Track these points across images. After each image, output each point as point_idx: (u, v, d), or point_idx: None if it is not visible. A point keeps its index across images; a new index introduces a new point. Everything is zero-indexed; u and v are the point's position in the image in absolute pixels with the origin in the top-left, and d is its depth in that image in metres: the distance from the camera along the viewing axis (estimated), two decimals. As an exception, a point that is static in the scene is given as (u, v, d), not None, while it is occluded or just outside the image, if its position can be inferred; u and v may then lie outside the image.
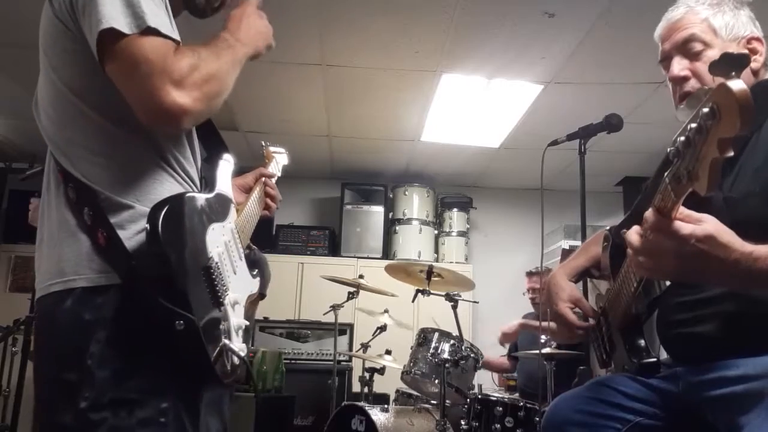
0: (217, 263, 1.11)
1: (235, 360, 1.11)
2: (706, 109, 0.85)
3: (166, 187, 1.11)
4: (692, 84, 1.38)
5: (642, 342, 1.42)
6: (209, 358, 1.05)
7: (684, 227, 0.99)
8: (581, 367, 2.35)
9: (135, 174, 1.09)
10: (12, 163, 5.42)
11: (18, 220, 5.02)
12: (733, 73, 0.84)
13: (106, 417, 0.99)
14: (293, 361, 4.47)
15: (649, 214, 1.03)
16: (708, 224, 1.00)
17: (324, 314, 3.93)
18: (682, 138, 0.90)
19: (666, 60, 1.44)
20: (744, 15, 1.42)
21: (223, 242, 1.14)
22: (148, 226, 1.01)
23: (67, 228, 1.07)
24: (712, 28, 1.38)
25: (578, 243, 2.66)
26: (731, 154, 0.84)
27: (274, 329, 4.64)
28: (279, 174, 1.71)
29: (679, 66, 1.40)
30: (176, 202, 1.04)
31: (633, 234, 1.09)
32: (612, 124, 2.32)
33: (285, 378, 4.01)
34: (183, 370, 1.05)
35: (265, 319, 4.65)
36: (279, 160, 1.75)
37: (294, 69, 3.85)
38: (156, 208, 1.02)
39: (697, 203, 1.03)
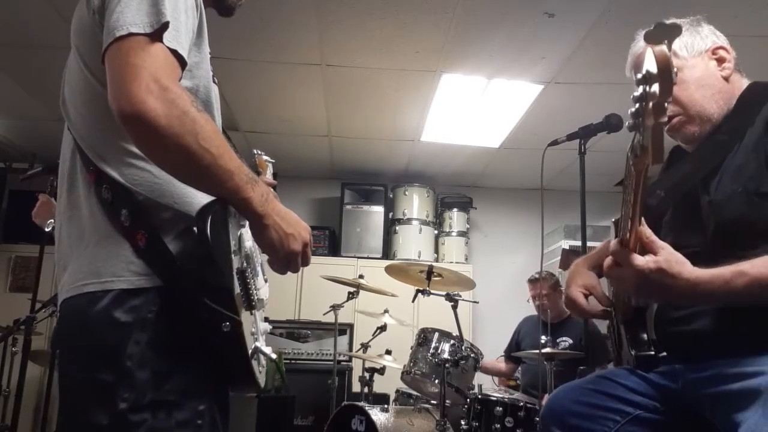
0: (248, 267, 1.12)
1: (263, 362, 1.14)
2: (639, 76, 0.90)
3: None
4: (671, 108, 1.39)
5: (644, 335, 1.42)
6: (249, 360, 1.06)
7: (638, 260, 1.13)
8: (581, 367, 2.35)
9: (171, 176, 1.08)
10: (12, 163, 5.43)
11: (18, 220, 5.00)
12: (666, 41, 0.89)
13: (146, 418, 0.98)
14: (293, 361, 4.47)
15: (613, 243, 1.16)
16: (661, 256, 1.13)
17: (324, 314, 3.93)
18: (632, 110, 0.93)
19: None
20: (704, 30, 1.47)
21: (248, 247, 1.15)
22: (196, 228, 1.00)
23: (101, 229, 1.05)
24: (673, 52, 1.40)
25: (578, 243, 2.66)
26: (665, 119, 0.90)
27: (274, 329, 4.63)
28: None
29: None
30: (220, 206, 1.04)
31: (607, 260, 1.21)
32: (612, 124, 2.32)
33: (285, 378, 4.02)
34: (219, 372, 1.05)
35: (265, 320, 4.64)
36: (270, 169, 1.79)
37: (294, 69, 3.85)
38: (203, 211, 1.01)
39: (685, 210, 1.07)
